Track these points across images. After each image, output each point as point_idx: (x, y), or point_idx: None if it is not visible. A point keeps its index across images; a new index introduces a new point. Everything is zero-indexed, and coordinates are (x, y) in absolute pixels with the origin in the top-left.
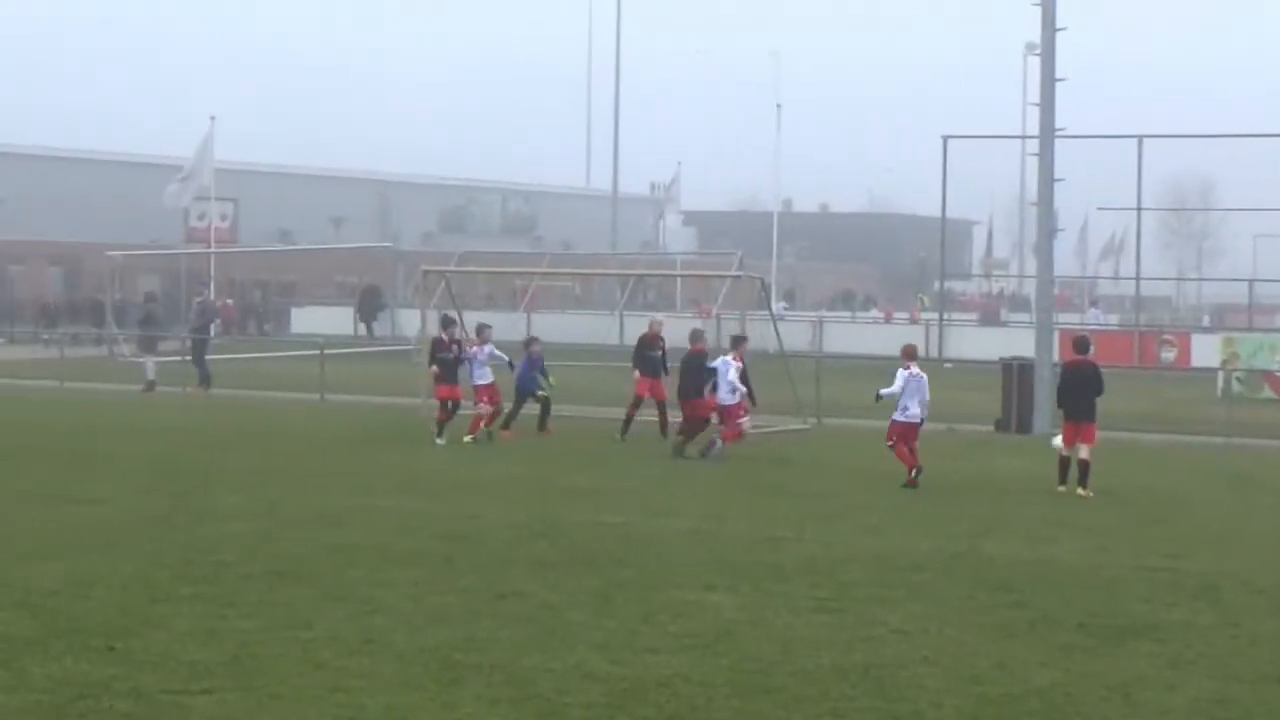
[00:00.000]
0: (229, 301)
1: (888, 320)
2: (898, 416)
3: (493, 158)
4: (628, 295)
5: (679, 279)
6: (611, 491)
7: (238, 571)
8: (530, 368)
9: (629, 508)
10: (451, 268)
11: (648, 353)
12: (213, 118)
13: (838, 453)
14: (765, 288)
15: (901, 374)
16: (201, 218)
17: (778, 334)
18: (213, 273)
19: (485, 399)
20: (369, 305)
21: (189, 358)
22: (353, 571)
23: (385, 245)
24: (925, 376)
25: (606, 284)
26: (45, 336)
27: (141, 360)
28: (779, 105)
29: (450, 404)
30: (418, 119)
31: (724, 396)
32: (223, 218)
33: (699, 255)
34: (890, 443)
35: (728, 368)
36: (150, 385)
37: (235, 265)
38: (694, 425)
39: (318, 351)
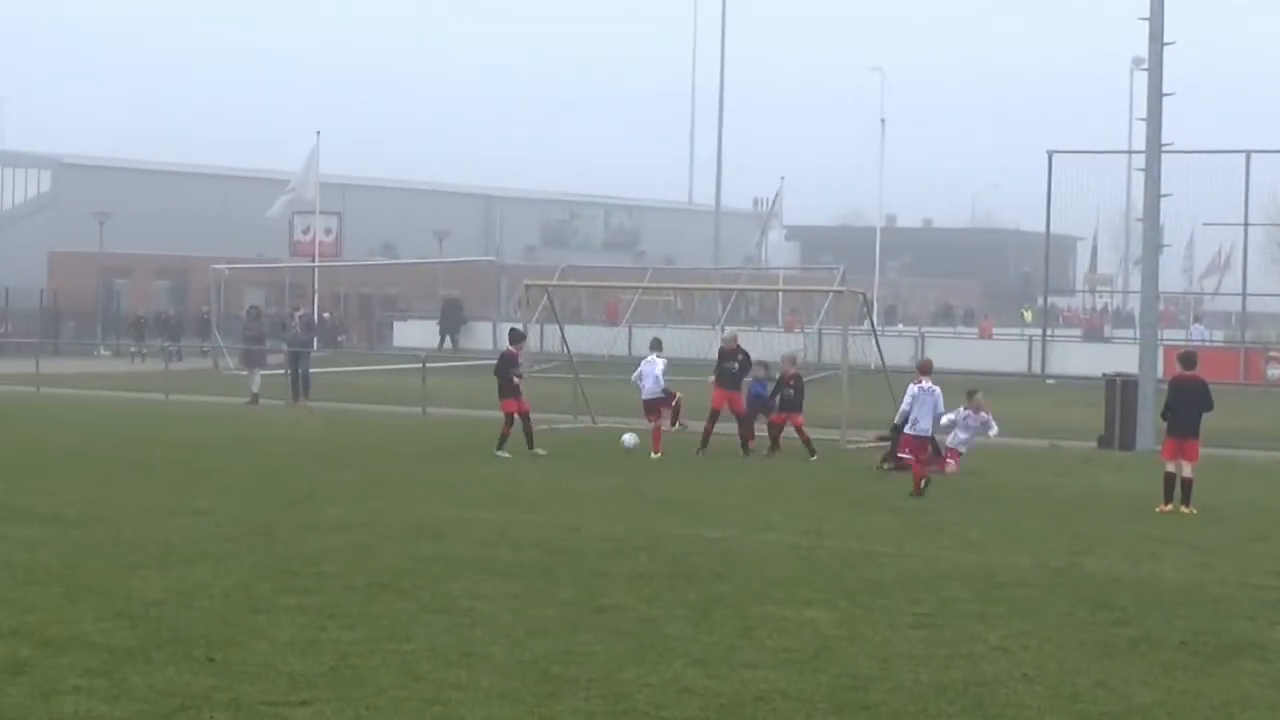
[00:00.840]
0: (325, 315)
1: (982, 336)
2: (909, 430)
3: (596, 173)
4: (729, 310)
5: (781, 294)
6: (709, 505)
7: (339, 583)
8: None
9: (727, 521)
10: (554, 282)
11: (725, 365)
12: (318, 132)
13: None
14: (867, 303)
15: (912, 389)
16: (306, 231)
17: (879, 349)
18: (316, 286)
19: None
20: (450, 319)
21: (289, 371)
22: (453, 584)
23: (488, 259)
24: (939, 391)
25: (708, 299)
26: (133, 349)
27: (246, 373)
28: (883, 120)
29: (510, 418)
30: (522, 134)
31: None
32: (327, 231)
33: (801, 270)
34: (903, 455)
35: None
36: (254, 399)
37: (338, 279)
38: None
39: (419, 365)
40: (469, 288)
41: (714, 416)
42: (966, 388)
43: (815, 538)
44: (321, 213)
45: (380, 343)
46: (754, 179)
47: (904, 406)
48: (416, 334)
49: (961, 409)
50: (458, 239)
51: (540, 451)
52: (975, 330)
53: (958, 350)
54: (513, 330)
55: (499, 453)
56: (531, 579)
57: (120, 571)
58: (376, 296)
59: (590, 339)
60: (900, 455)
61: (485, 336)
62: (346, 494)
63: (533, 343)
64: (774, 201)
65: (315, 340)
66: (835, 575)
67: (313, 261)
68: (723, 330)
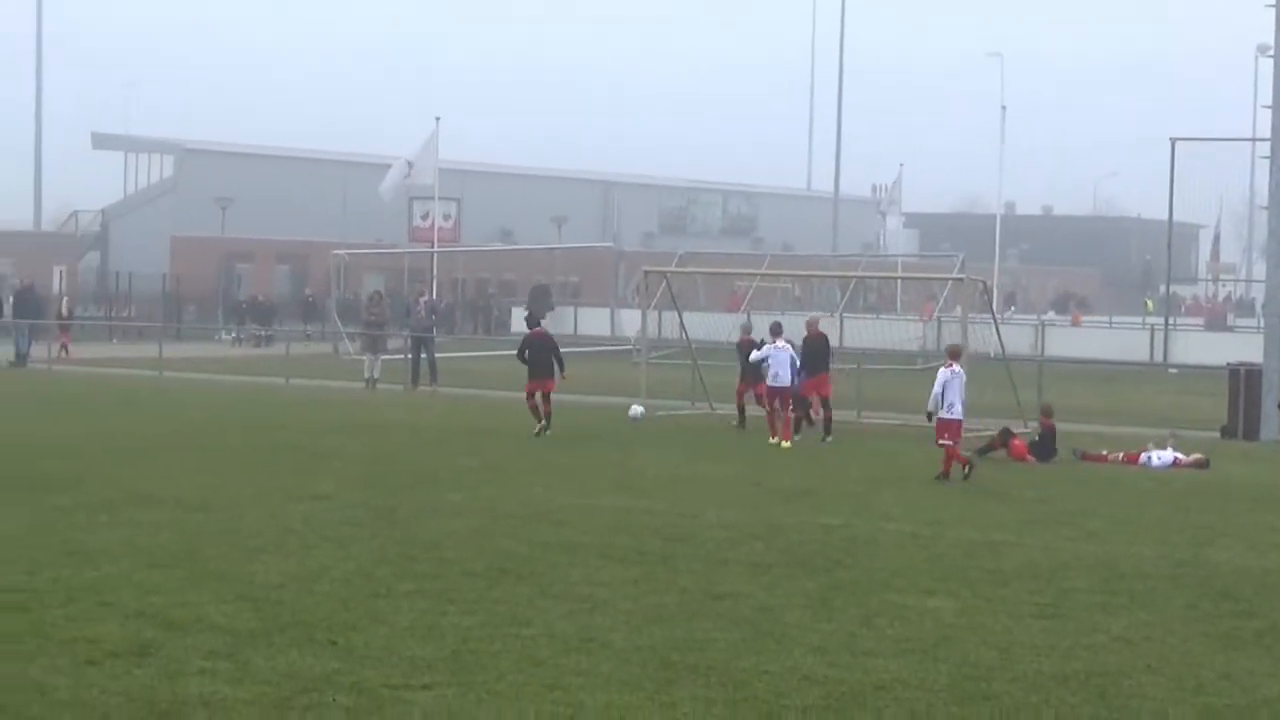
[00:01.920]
0: (446, 302)
1: (1075, 324)
2: (945, 414)
3: (714, 159)
4: (848, 297)
5: (899, 281)
6: (826, 493)
7: (458, 568)
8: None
9: (845, 510)
10: (672, 268)
11: (809, 350)
12: (438, 118)
13: (1062, 454)
14: (987, 290)
15: (943, 374)
16: (425, 217)
17: (999, 337)
18: (434, 271)
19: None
20: (538, 305)
21: (410, 355)
22: (572, 570)
23: (606, 245)
24: (964, 375)
25: (826, 286)
26: (228, 335)
27: (367, 358)
28: (1004, 107)
29: (539, 395)
30: (642, 120)
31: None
32: (446, 217)
33: (920, 258)
34: (943, 441)
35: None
36: (372, 383)
37: (456, 264)
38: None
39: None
40: (587, 274)
41: (803, 403)
42: (1084, 376)
43: (935, 527)
44: (440, 198)
45: (498, 328)
46: (872, 166)
47: (935, 390)
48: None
49: (942, 370)
50: (576, 225)
51: (545, 429)
52: (1064, 320)
53: (1081, 339)
54: (529, 314)
55: (543, 430)
56: (650, 565)
57: (241, 556)
58: (494, 282)
59: (707, 325)
60: (940, 441)
61: (602, 323)
62: (465, 479)
63: (651, 328)
64: (892, 188)
65: (433, 325)
66: (956, 565)
67: (431, 247)
68: (840, 318)
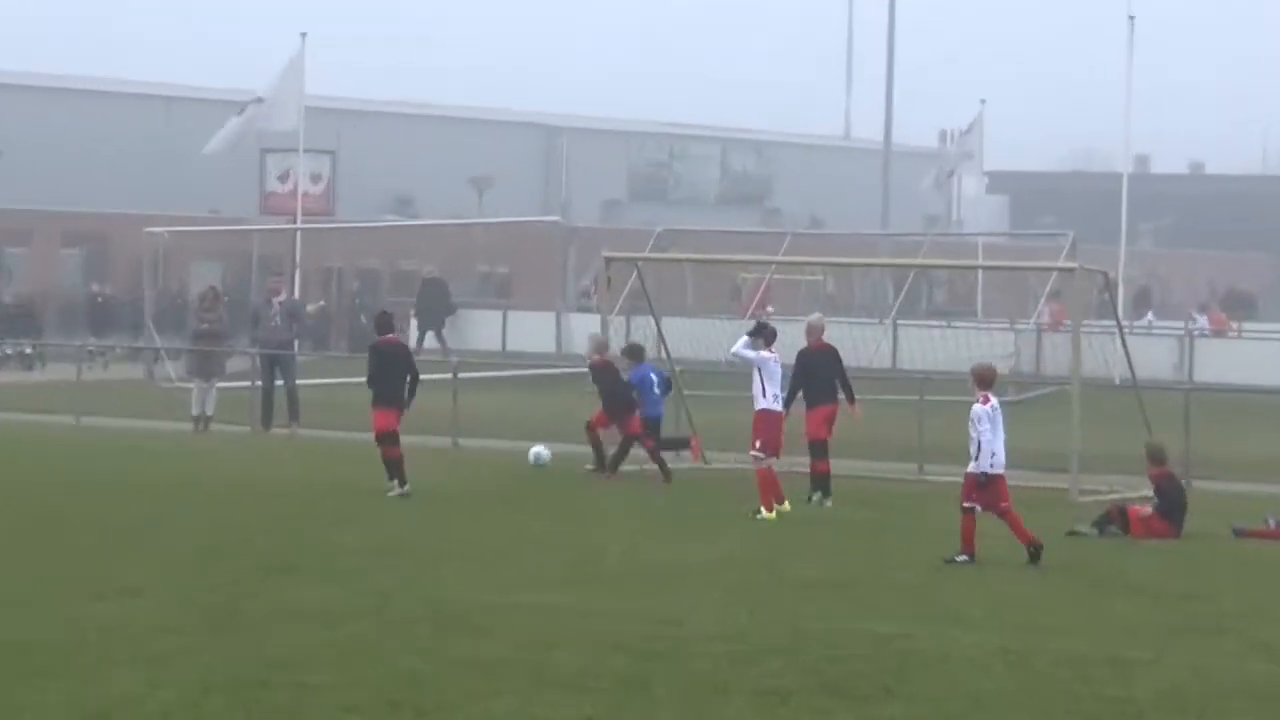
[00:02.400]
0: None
1: (1215, 330)
2: (983, 466)
3: (709, 94)
4: (904, 295)
5: (980, 272)
6: (870, 585)
7: (330, 699)
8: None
9: (900, 610)
10: (646, 253)
11: (808, 369)
12: (304, 34)
13: (1217, 528)
14: (1109, 285)
15: (979, 411)
16: (284, 179)
17: (1127, 354)
18: (297, 259)
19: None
20: (431, 306)
21: (260, 382)
22: (498, 701)
23: (551, 219)
24: (1000, 410)
25: (873, 278)
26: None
27: (198, 385)
28: (1131, 18)
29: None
30: (602, 39)
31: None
32: (314, 179)
33: (1011, 238)
34: (969, 504)
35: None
36: (202, 422)
37: (330, 248)
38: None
39: (447, 375)
40: (522, 262)
41: (819, 451)
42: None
43: (1033, 636)
44: (307, 152)
45: (420, 339)
46: (940, 103)
47: (976, 436)
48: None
49: (978, 407)
50: (507, 190)
51: (400, 490)
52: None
53: (1236, 356)
54: (381, 314)
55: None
56: (615, 696)
57: (12, 680)
58: (386, 274)
59: (698, 336)
60: (966, 504)
61: (544, 333)
62: (345, 564)
63: (616, 341)
64: (968, 134)
65: (295, 337)
66: (1065, 693)
67: (294, 223)
68: (894, 326)
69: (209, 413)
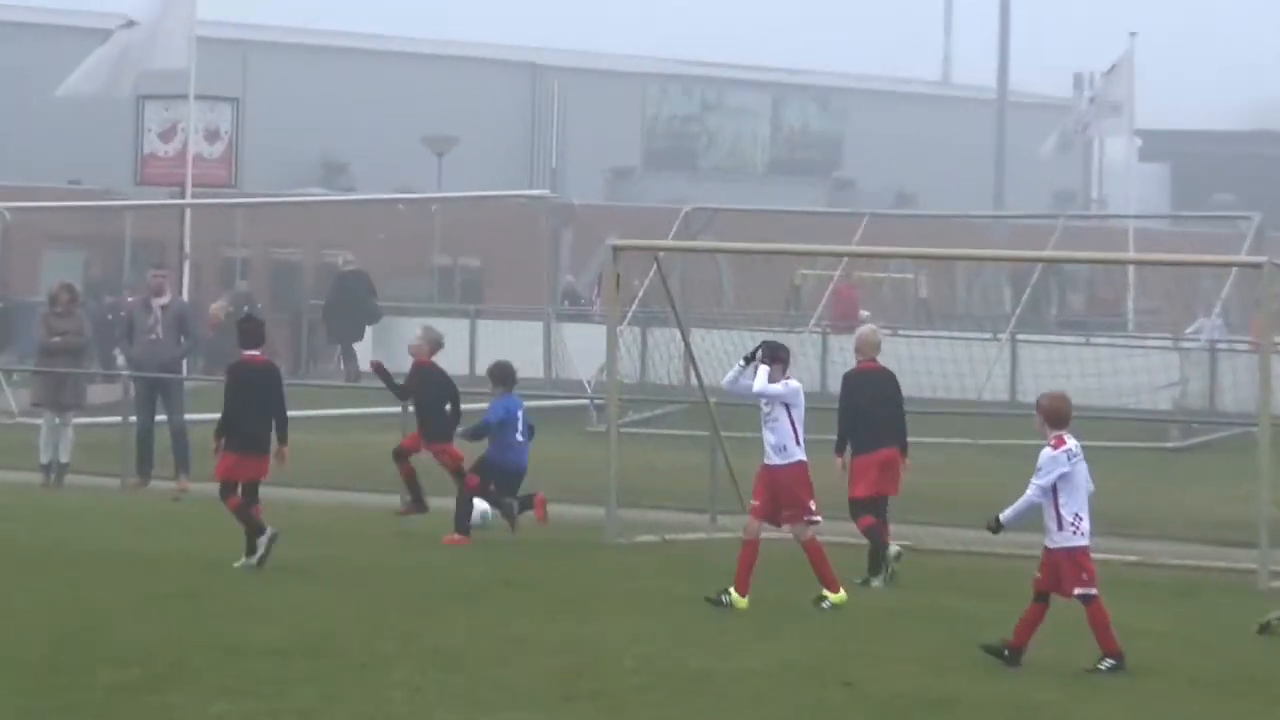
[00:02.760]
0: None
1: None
2: (1063, 541)
3: (755, 23)
4: (1026, 298)
5: (1131, 268)
6: (982, 703)
7: None
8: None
9: None
10: (669, 241)
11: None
12: None
13: None
14: None
15: (1051, 457)
16: (167, 136)
17: None
18: (187, 245)
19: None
20: (348, 315)
21: (136, 418)
22: None
23: (537, 194)
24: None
25: (986, 277)
26: None
27: (47, 421)
28: None
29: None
30: None
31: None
32: (210, 136)
33: (1173, 221)
34: (1086, 590)
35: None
36: (54, 472)
37: (232, 230)
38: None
39: (395, 410)
40: (499, 252)
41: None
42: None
43: None
44: (201, 99)
45: (314, 361)
46: (1076, 38)
47: (1041, 483)
48: (392, 339)
49: (1048, 452)
50: (476, 153)
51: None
52: None
53: None
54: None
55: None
56: None
57: None
58: (309, 268)
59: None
60: (1041, 589)
61: (529, 350)
62: (250, 670)
63: (629, 362)
64: (1110, 81)
65: (185, 355)
66: None
67: (183, 197)
68: (1011, 341)
69: (63, 459)
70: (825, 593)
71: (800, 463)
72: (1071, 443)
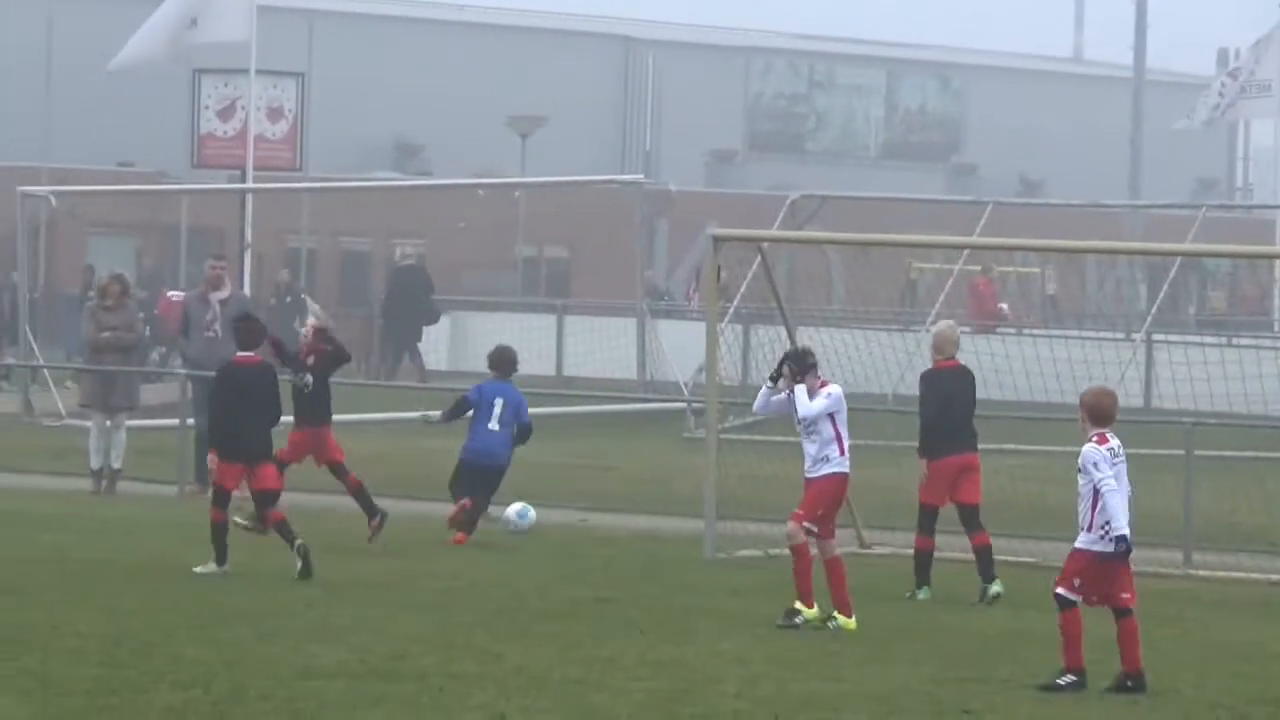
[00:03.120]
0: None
1: None
2: (1094, 543)
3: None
4: (1163, 295)
5: (1278, 263)
6: None
7: None
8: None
9: None
10: (773, 232)
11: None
12: None
13: None
14: None
15: (1095, 453)
16: (227, 115)
17: None
18: (248, 234)
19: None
20: (405, 312)
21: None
22: None
23: (631, 179)
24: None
25: (1119, 270)
26: None
27: (92, 424)
28: None
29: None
30: None
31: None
32: (273, 115)
33: None
34: (1069, 594)
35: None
36: (105, 478)
37: (296, 219)
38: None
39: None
40: (587, 242)
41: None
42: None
43: None
44: (262, 74)
45: (393, 358)
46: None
47: (1087, 492)
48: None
49: (1091, 449)
50: (562, 135)
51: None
52: None
53: None
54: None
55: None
56: None
57: None
58: (378, 259)
59: (852, 354)
60: (1067, 595)
61: (621, 349)
62: (317, 694)
63: (731, 363)
64: (1263, 55)
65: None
66: None
67: (243, 181)
68: (1147, 340)
69: (114, 464)
70: (836, 614)
71: (841, 475)
72: (1114, 441)
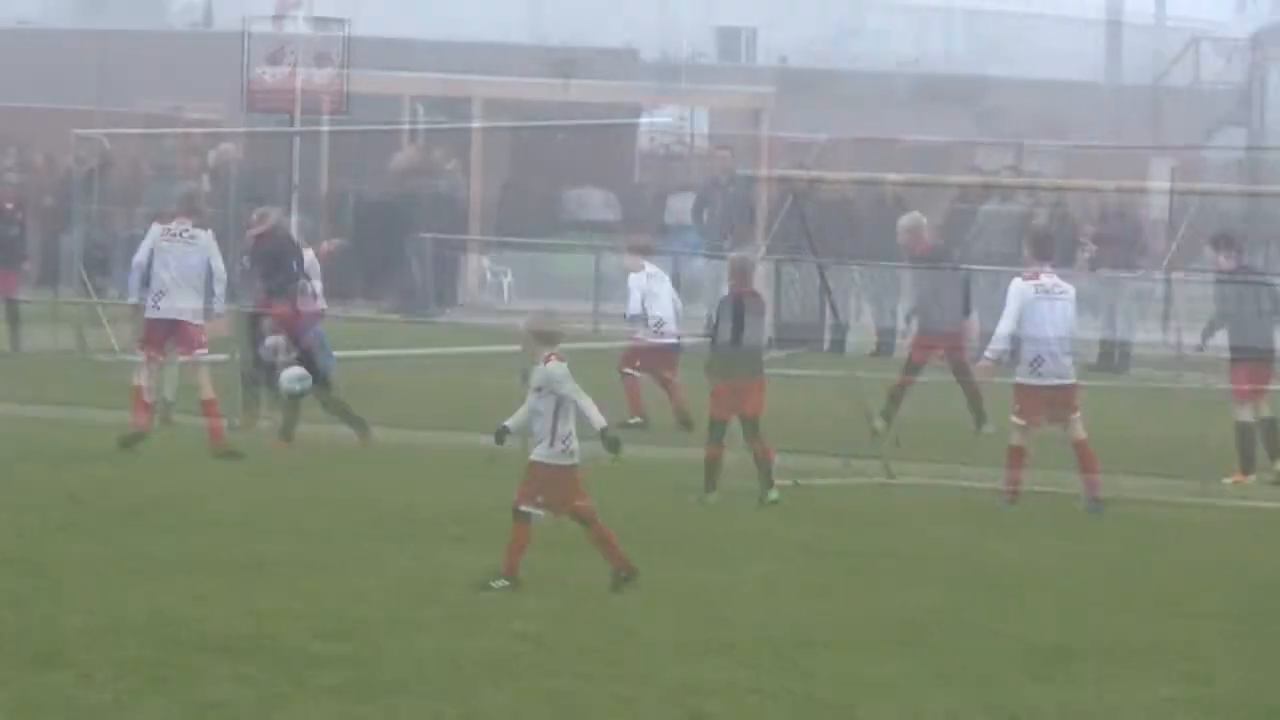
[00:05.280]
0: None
1: None
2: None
3: None
4: (1182, 235)
5: None
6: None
7: None
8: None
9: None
10: (804, 170)
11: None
12: None
13: None
14: None
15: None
16: (276, 59)
17: None
18: (295, 175)
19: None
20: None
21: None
22: None
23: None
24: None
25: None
26: None
27: (142, 360)
28: None
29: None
30: None
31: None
32: (320, 60)
33: None
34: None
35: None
36: (161, 411)
37: (348, 158)
38: None
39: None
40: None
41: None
42: None
43: None
44: (307, 19)
45: (435, 296)
46: None
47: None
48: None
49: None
50: (597, 75)
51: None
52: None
53: None
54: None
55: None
56: None
57: None
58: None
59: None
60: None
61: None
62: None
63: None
64: None
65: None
66: None
67: (290, 125)
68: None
69: (169, 397)
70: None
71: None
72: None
